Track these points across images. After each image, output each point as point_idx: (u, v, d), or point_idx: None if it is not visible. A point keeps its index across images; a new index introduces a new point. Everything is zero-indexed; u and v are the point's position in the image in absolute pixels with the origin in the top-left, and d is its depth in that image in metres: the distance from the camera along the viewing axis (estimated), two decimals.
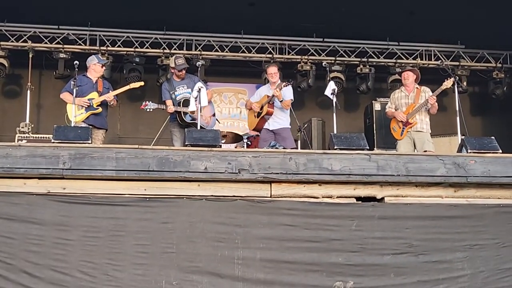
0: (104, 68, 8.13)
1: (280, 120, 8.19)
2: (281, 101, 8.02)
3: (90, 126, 7.34)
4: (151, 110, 8.04)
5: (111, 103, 7.93)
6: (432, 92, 8.10)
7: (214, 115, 8.25)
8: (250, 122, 8.41)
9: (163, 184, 5.77)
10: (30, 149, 5.66)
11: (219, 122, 8.77)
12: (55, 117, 9.09)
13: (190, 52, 11.04)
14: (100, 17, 10.42)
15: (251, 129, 8.41)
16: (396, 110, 8.21)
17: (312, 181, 5.90)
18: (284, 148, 7.77)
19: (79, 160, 5.63)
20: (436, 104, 8.03)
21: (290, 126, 8.28)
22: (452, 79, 8.00)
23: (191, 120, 7.79)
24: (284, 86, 8.07)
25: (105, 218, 5.59)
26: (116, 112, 10.39)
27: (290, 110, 8.24)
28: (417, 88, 8.18)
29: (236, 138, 9.26)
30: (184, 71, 8.11)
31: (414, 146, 7.99)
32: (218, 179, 5.78)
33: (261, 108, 8.16)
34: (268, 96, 8.13)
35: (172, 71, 8.29)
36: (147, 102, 8.04)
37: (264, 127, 8.20)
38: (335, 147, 6.41)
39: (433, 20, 10.34)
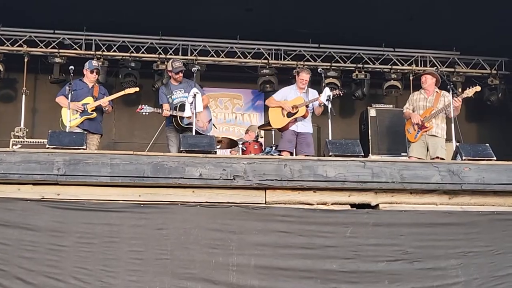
0: (94, 74, 8.05)
1: (308, 124, 8.24)
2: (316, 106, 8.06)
3: (85, 131, 7.36)
4: (147, 113, 8.03)
5: (106, 109, 7.93)
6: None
7: (210, 120, 8.24)
8: (277, 120, 8.24)
9: (158, 190, 5.77)
10: (25, 154, 5.65)
11: (216, 128, 8.77)
12: (50, 121, 9.09)
13: (185, 57, 11.04)
14: (95, 21, 10.42)
15: (277, 127, 8.30)
16: (413, 111, 8.16)
17: (307, 188, 5.90)
18: (307, 155, 7.85)
19: (73, 166, 5.62)
20: (459, 107, 7.91)
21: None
22: (478, 87, 7.95)
23: (187, 124, 7.77)
24: (336, 95, 8.22)
25: (99, 224, 5.58)
26: (111, 116, 10.37)
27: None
28: (436, 92, 8.07)
29: (231, 144, 9.27)
30: (181, 74, 8.11)
31: (427, 150, 7.95)
32: (213, 185, 5.78)
33: (295, 108, 8.12)
34: (304, 100, 8.12)
35: (170, 74, 8.28)
36: (142, 105, 8.04)
37: (290, 128, 8.16)
38: (330, 154, 6.43)
39: (429, 26, 10.36)
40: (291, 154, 8.09)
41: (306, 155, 7.88)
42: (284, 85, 11.12)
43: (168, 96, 8.01)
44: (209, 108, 8.35)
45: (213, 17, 10.17)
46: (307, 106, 8.12)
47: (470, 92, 7.96)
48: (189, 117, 7.64)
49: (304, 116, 8.12)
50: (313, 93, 8.25)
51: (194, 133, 7.28)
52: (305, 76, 8.22)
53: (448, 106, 7.75)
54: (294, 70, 8.72)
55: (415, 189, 6.05)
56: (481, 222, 6.02)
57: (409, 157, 8.15)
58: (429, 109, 7.99)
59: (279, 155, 8.19)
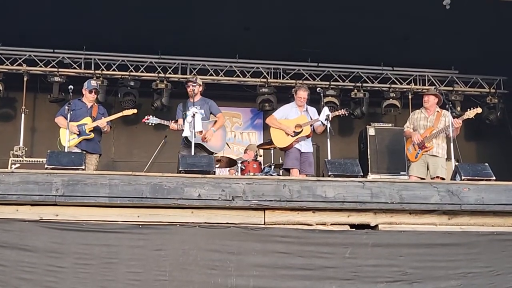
0: (93, 94, 8.07)
1: (309, 143, 8.23)
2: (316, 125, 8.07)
3: (83, 151, 7.36)
4: (153, 124, 8.07)
5: (105, 130, 7.95)
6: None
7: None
8: (281, 140, 8.17)
9: (157, 211, 5.77)
10: (23, 175, 5.66)
11: (229, 147, 8.80)
12: (49, 140, 9.09)
13: (185, 76, 11.06)
14: (95, 41, 10.46)
15: (281, 146, 8.25)
16: (414, 130, 8.17)
17: (306, 208, 5.91)
18: (308, 175, 7.87)
19: (72, 186, 5.63)
20: (459, 128, 7.94)
21: None
22: (479, 109, 7.98)
23: (197, 142, 7.73)
24: (341, 115, 8.28)
25: (98, 245, 5.58)
26: (110, 135, 10.36)
27: None
28: (437, 111, 8.09)
29: (230, 163, 9.27)
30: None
31: (428, 169, 7.95)
32: (212, 206, 5.79)
33: (299, 127, 8.11)
34: (309, 118, 8.12)
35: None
36: (149, 116, 8.09)
37: (294, 146, 8.13)
38: (329, 173, 6.45)
39: (426, 45, 10.43)
40: (300, 171, 8.09)
41: (307, 175, 7.90)
42: (283, 103, 11.21)
43: (183, 112, 8.05)
44: (225, 128, 8.37)
45: (211, 36, 10.23)
46: (311, 125, 8.13)
47: (471, 113, 7.98)
48: (200, 133, 7.69)
49: (308, 136, 8.13)
50: (312, 110, 8.26)
51: (193, 152, 7.29)
52: (302, 94, 8.23)
53: (449, 127, 7.76)
54: (293, 89, 8.72)
55: (414, 209, 6.06)
56: (481, 242, 6.02)
57: (409, 176, 8.16)
58: (429, 128, 8.00)
59: (287, 171, 8.24)
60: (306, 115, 8.18)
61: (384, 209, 6.03)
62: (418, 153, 7.98)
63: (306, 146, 8.15)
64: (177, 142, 10.25)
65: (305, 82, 11.42)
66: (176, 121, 8.01)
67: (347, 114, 8.47)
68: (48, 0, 9.14)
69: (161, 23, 9.78)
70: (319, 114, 8.14)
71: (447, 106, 8.12)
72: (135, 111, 8.33)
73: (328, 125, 7.80)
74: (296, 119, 8.18)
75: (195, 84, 8.10)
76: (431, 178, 7.74)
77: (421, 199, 6.03)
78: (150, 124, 8.06)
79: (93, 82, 8.28)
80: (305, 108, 8.27)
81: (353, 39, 10.22)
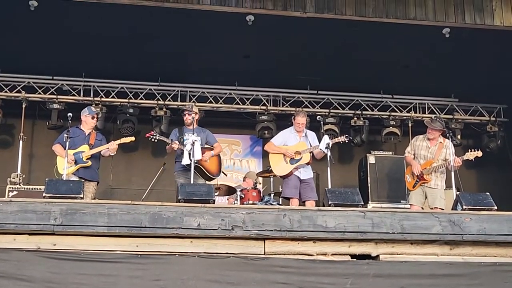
0: (95, 119, 8.14)
1: (309, 169, 8.20)
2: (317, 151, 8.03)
3: (81, 179, 7.36)
4: (155, 140, 8.06)
5: (107, 154, 7.94)
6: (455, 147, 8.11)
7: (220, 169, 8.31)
8: (279, 167, 8.14)
9: (155, 240, 5.76)
10: (21, 204, 5.66)
11: (226, 175, 8.81)
12: (47, 167, 9.08)
13: (184, 103, 11.10)
14: (94, 67, 10.52)
15: (280, 174, 8.21)
16: (414, 157, 8.17)
17: (306, 238, 5.91)
18: (313, 200, 7.86)
19: (70, 216, 5.63)
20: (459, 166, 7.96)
21: None
22: (480, 152, 8.00)
23: (196, 163, 7.73)
24: (342, 142, 8.29)
25: (96, 275, 5.55)
26: (108, 162, 10.38)
27: None
28: (440, 142, 8.09)
29: (230, 191, 9.25)
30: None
31: (426, 198, 7.97)
32: (211, 235, 5.79)
33: (298, 154, 8.08)
34: (308, 145, 8.10)
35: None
36: (152, 131, 8.11)
37: (294, 173, 8.09)
38: (330, 203, 6.47)
39: (426, 73, 10.50)
40: (299, 200, 8.08)
41: (312, 201, 7.88)
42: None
43: (179, 137, 8.07)
44: (220, 157, 8.40)
45: (211, 64, 10.30)
46: (310, 153, 8.12)
47: (471, 155, 7.99)
48: (200, 159, 7.75)
49: (308, 163, 8.12)
50: (311, 135, 8.22)
51: (192, 180, 7.29)
52: (301, 120, 8.23)
53: (449, 160, 7.79)
54: (293, 116, 8.75)
55: (415, 239, 6.07)
56: (483, 273, 6.01)
57: (410, 204, 8.15)
58: (430, 161, 8.01)
59: (286, 199, 8.22)
60: (305, 141, 8.17)
61: (385, 239, 6.03)
62: (416, 182, 8.00)
63: (306, 173, 8.13)
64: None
65: (304, 109, 11.39)
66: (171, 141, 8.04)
67: (347, 141, 8.48)
68: (47, 27, 9.19)
69: (161, 50, 9.85)
70: (319, 139, 8.14)
71: (447, 134, 8.15)
72: (132, 138, 8.33)
73: (329, 154, 7.79)
74: (295, 146, 8.17)
75: (191, 112, 8.14)
76: (430, 208, 7.74)
77: (423, 229, 6.04)
78: (153, 139, 8.06)
79: (94, 108, 8.29)
80: (304, 133, 8.27)
81: (353, 66, 10.30)
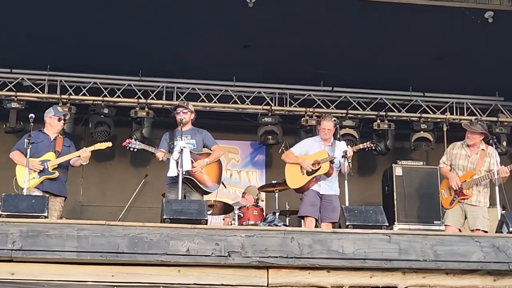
0: (62, 122, 8.13)
1: (333, 184, 8.23)
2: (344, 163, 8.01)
3: (46, 194, 7.36)
4: (135, 149, 8.05)
5: (82, 162, 7.92)
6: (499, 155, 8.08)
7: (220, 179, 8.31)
8: (294, 179, 8.27)
9: (135, 269, 5.75)
10: None
11: (225, 187, 8.78)
12: (4, 179, 9.07)
13: (170, 102, 11.13)
14: (61, 59, 10.54)
15: (295, 187, 8.30)
16: (451, 168, 8.18)
17: (319, 267, 5.90)
18: (334, 222, 7.86)
19: (32, 239, 5.62)
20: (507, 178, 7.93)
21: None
22: None
23: (186, 174, 7.72)
24: (367, 148, 8.32)
25: None
26: (78, 174, 10.40)
27: None
28: (482, 150, 8.07)
29: (226, 209, 9.29)
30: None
31: (466, 218, 7.96)
32: (203, 263, 5.78)
33: (317, 164, 8.14)
34: (329, 154, 8.14)
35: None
36: (131, 139, 8.07)
37: (312, 188, 8.16)
38: (347, 224, 6.47)
39: (466, 66, 10.49)
40: (317, 220, 8.08)
41: (332, 223, 7.90)
42: (290, 136, 11.30)
43: (170, 142, 8.03)
44: (221, 163, 8.34)
45: (204, 55, 10.32)
46: (331, 162, 8.15)
47: None
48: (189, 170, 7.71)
49: (327, 174, 8.13)
50: (340, 146, 8.23)
51: (180, 195, 7.30)
52: (326, 125, 8.26)
53: (493, 174, 7.78)
54: (318, 121, 8.77)
55: (451, 269, 6.06)
56: None
57: (445, 225, 8.14)
58: (470, 172, 7.99)
59: (301, 219, 8.23)
60: (329, 150, 8.20)
61: (415, 268, 6.02)
62: (453, 199, 7.98)
63: (328, 187, 8.17)
64: (160, 182, 10.26)
65: (317, 110, 11.49)
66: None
67: (373, 147, 8.49)
68: (3, 9, 9.18)
69: (142, 38, 9.86)
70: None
71: (490, 140, 8.14)
72: (109, 144, 8.31)
73: (346, 164, 7.81)
74: (314, 155, 8.21)
75: (186, 111, 8.13)
76: (471, 230, 7.73)
77: (461, 256, 6.03)
78: (131, 149, 8.05)
79: (60, 109, 8.29)
80: (330, 142, 8.29)
81: (376, 58, 10.31)
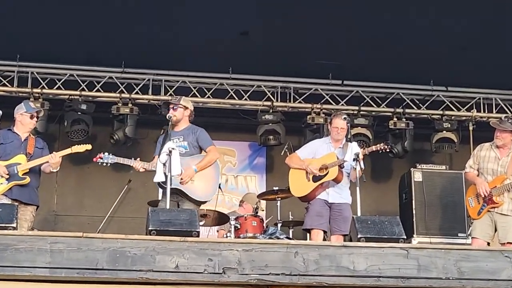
0: (35, 119, 8.12)
1: (343, 192, 8.21)
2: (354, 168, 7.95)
3: (15, 202, 7.36)
4: (107, 164, 7.98)
5: (52, 169, 7.90)
6: None
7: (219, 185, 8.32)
8: (299, 186, 8.30)
9: (117, 287, 5.74)
10: None
11: (222, 192, 8.74)
12: None
13: (157, 97, 11.15)
14: (33, 48, 10.54)
15: (299, 195, 8.31)
16: (479, 173, 8.17)
17: (326, 286, 5.90)
18: (344, 234, 7.87)
19: None
20: None
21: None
22: None
23: (174, 185, 7.68)
24: (382, 150, 8.28)
25: None
26: (52, 180, 10.40)
27: None
28: None
29: (220, 219, 9.28)
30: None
31: (496, 230, 7.94)
32: (194, 281, 5.77)
33: (324, 169, 8.15)
34: (338, 157, 8.11)
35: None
36: (102, 154, 8.01)
37: (319, 196, 8.16)
38: (359, 236, 6.48)
39: (494, 57, 10.49)
40: (325, 233, 8.09)
41: (344, 235, 7.91)
42: (293, 136, 11.31)
43: (163, 146, 7.97)
44: (218, 167, 8.31)
45: (196, 43, 10.31)
46: (341, 167, 8.16)
47: None
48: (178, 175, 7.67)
49: (336, 180, 8.12)
50: (352, 148, 8.10)
51: (168, 204, 7.28)
52: (340, 123, 8.23)
53: None
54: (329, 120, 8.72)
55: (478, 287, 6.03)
56: None
57: (472, 238, 8.13)
58: (501, 177, 7.99)
59: (307, 232, 8.23)
60: (339, 153, 8.18)
61: (436, 287, 6.00)
62: (482, 208, 7.97)
63: (337, 195, 8.16)
64: (145, 189, 10.28)
65: (325, 106, 11.50)
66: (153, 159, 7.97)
67: (387, 149, 8.48)
68: None
69: (126, 25, 9.86)
70: None
71: None
72: (89, 147, 8.27)
73: (358, 168, 7.80)
74: (322, 158, 8.20)
75: (176, 107, 8.09)
76: (501, 244, 7.73)
77: (488, 273, 6.03)
78: (104, 164, 8.00)
79: (33, 104, 8.27)
80: (341, 144, 8.28)
81: (392, 47, 10.31)
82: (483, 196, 7.95)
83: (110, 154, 7.96)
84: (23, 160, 7.83)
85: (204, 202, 8.10)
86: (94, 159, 7.99)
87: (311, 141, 8.87)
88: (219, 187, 8.40)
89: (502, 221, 7.88)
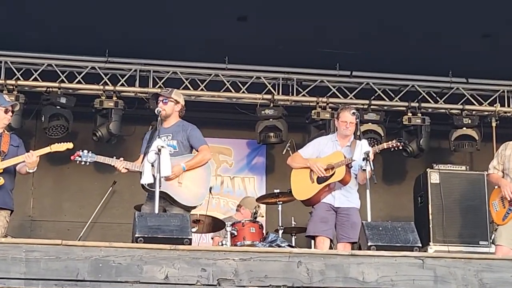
0: (10, 114, 8.12)
1: (351, 194, 8.20)
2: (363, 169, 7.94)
3: None
4: (86, 163, 7.96)
5: (29, 169, 7.91)
6: None
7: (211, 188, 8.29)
8: (301, 188, 8.30)
9: None
10: None
11: (213, 196, 8.75)
12: None
13: (145, 89, 11.17)
14: (6, 36, 10.54)
15: (302, 198, 8.31)
16: (504, 174, 8.15)
17: None
18: (353, 242, 7.78)
19: None
20: None
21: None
22: None
23: (162, 189, 7.68)
24: (395, 148, 8.22)
25: None
26: (27, 181, 10.41)
27: None
28: None
29: (215, 225, 9.29)
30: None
31: None
32: None
33: (330, 169, 8.16)
34: (345, 156, 8.10)
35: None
36: (80, 151, 7.98)
37: (324, 200, 8.16)
38: (369, 244, 6.51)
39: None
40: (331, 241, 8.10)
41: (352, 243, 7.87)
42: (297, 133, 11.34)
43: (149, 144, 7.95)
44: (209, 168, 8.31)
45: (188, 30, 10.31)
46: (348, 166, 8.17)
47: None
48: (168, 178, 7.66)
49: (343, 182, 8.12)
50: (361, 145, 8.08)
51: (156, 209, 7.29)
52: (348, 117, 8.20)
53: None
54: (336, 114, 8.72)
55: None
56: None
57: (496, 245, 8.14)
58: None
59: (311, 239, 8.25)
60: (346, 151, 8.19)
61: None
62: (508, 212, 7.98)
63: (344, 199, 8.16)
64: (132, 191, 10.27)
65: (331, 99, 11.51)
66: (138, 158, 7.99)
67: (400, 147, 8.48)
68: None
69: (110, 9, 9.86)
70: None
71: None
72: (70, 145, 8.26)
73: (368, 169, 7.81)
74: (327, 157, 8.19)
75: (166, 100, 8.08)
76: None
77: None
78: (82, 163, 7.98)
79: (7, 97, 8.28)
80: (349, 142, 8.28)
81: (405, 35, 10.32)
82: (509, 199, 7.96)
83: (90, 152, 7.92)
84: None
85: (194, 208, 8.05)
86: (72, 157, 7.96)
87: (315, 138, 8.84)
88: (210, 191, 8.41)
89: None
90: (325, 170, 8.09)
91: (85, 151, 7.92)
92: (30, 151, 7.86)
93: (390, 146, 8.26)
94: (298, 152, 8.54)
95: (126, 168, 7.87)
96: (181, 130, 8.01)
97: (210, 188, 8.44)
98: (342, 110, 8.37)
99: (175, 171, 7.74)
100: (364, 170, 7.84)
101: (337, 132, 8.42)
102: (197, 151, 8.01)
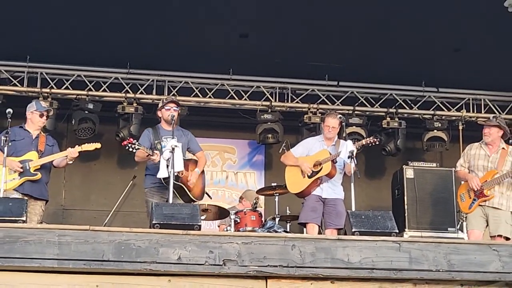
0: (44, 118, 8.12)
1: (336, 187, 8.25)
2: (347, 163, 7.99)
3: (25, 197, 7.35)
4: (134, 150, 7.93)
5: (68, 161, 7.91)
6: None
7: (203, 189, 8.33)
8: (294, 182, 8.35)
9: (122, 278, 5.76)
10: None
11: (210, 197, 8.79)
12: None
13: (161, 96, 11.07)
14: (42, 49, 10.54)
15: (295, 191, 8.37)
16: (469, 171, 8.16)
17: (322, 277, 5.91)
18: (339, 228, 7.87)
19: (9, 245, 5.60)
20: None
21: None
22: None
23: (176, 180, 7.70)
24: (369, 144, 8.21)
25: None
26: (60, 176, 10.40)
27: None
28: (503, 148, 8.07)
29: (221, 214, 9.27)
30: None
31: (487, 225, 7.93)
32: (196, 273, 5.78)
33: (318, 165, 8.15)
34: (331, 153, 8.15)
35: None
36: (131, 139, 7.96)
37: (313, 192, 8.19)
38: (354, 230, 6.50)
39: (484, 59, 10.47)
40: (320, 227, 8.11)
41: (338, 229, 7.92)
42: (291, 135, 11.31)
43: (156, 142, 7.99)
44: (204, 172, 8.38)
45: (197, 46, 10.29)
46: (333, 162, 8.16)
47: None
48: (181, 173, 7.71)
49: (329, 175, 8.14)
50: (345, 145, 8.09)
51: (171, 199, 7.29)
52: (331, 122, 8.27)
53: None
54: (322, 119, 8.74)
55: (467, 279, 6.06)
56: None
57: (468, 230, 8.11)
58: (491, 172, 7.98)
59: (302, 226, 8.30)
60: (331, 150, 8.22)
61: (427, 279, 6.03)
62: (473, 202, 7.95)
63: (331, 191, 8.19)
64: None
65: (321, 106, 11.50)
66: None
67: (377, 142, 8.46)
68: None
69: (131, 27, 9.86)
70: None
71: (510, 140, 8.16)
72: (98, 145, 8.25)
73: (352, 165, 7.81)
74: (315, 155, 8.24)
75: (177, 108, 8.13)
76: (491, 237, 7.73)
77: (477, 266, 6.03)
78: (131, 149, 7.92)
79: (44, 103, 8.27)
80: (334, 141, 8.31)
81: (385, 49, 10.31)
82: (474, 189, 7.94)
83: (137, 141, 7.92)
84: (35, 157, 7.84)
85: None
86: (123, 143, 7.87)
87: (305, 139, 8.87)
88: (207, 193, 8.44)
89: (494, 215, 7.87)
90: (314, 166, 8.12)
91: (135, 141, 7.89)
92: (69, 148, 7.91)
93: (368, 142, 8.30)
94: (290, 151, 8.61)
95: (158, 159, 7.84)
96: (182, 134, 8.17)
97: (207, 193, 8.49)
98: (327, 116, 8.45)
99: (194, 176, 7.99)
100: (350, 164, 7.85)
101: (322, 133, 8.45)
102: (194, 154, 8.22)
